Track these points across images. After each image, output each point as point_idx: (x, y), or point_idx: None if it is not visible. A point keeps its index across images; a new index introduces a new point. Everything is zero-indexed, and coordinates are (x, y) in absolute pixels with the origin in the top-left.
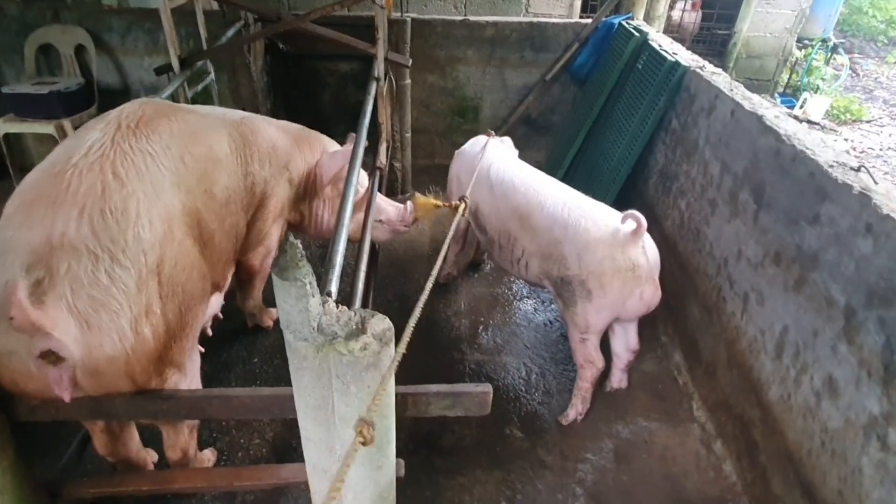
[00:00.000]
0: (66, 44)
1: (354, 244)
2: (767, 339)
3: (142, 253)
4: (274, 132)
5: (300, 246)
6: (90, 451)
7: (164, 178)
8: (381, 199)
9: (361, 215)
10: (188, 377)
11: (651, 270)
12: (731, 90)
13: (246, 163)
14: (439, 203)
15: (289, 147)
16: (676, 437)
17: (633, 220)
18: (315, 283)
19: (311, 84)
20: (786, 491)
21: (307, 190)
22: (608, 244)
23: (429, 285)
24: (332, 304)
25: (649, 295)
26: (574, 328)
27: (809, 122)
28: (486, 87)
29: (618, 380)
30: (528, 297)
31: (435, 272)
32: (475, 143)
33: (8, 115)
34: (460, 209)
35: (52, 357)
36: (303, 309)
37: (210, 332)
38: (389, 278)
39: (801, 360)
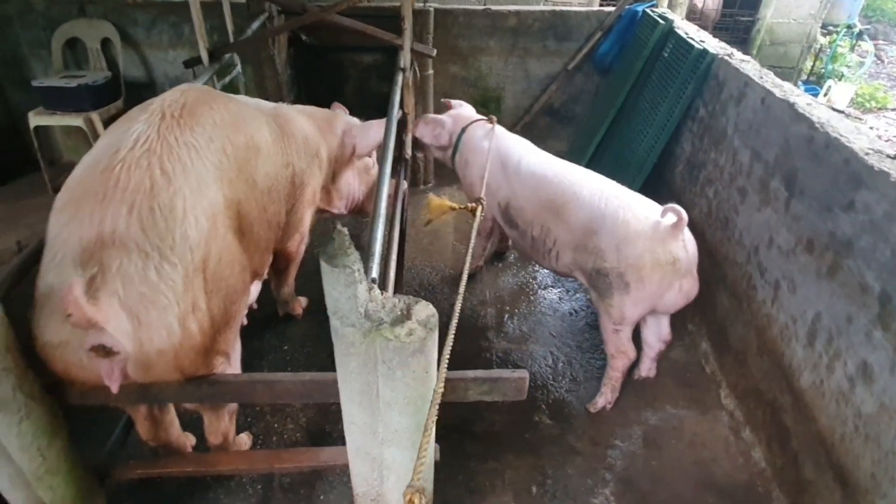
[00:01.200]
0: (92, 38)
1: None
2: (799, 326)
3: (189, 251)
4: (304, 122)
5: (347, 233)
6: (133, 436)
7: (208, 173)
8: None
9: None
10: (232, 366)
11: (690, 264)
12: (762, 78)
13: (286, 153)
14: (455, 205)
15: (316, 135)
16: (705, 424)
17: (674, 214)
18: (363, 270)
19: (334, 76)
20: (817, 475)
21: (330, 168)
22: (648, 237)
23: (462, 286)
24: (377, 290)
25: (688, 288)
26: (608, 319)
27: (834, 110)
28: (509, 78)
29: (647, 368)
30: (552, 287)
31: (465, 273)
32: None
33: (38, 109)
34: (478, 212)
35: (103, 351)
36: (351, 296)
37: (245, 321)
38: (416, 269)
39: (835, 347)
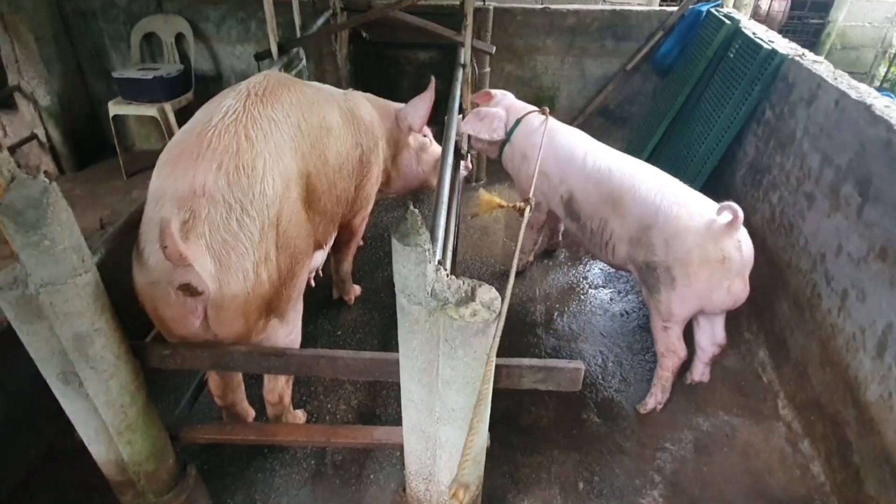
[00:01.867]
0: (167, 32)
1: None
2: (868, 336)
3: (265, 207)
4: (369, 107)
5: (419, 213)
6: (198, 407)
7: (284, 143)
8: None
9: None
10: (290, 326)
11: (743, 265)
12: (836, 79)
13: (356, 134)
14: (503, 203)
15: (378, 119)
16: (760, 434)
17: (730, 213)
18: (433, 250)
19: (391, 72)
20: (880, 492)
21: (391, 150)
22: (699, 233)
23: (512, 276)
24: (443, 271)
25: (738, 290)
26: (657, 315)
27: None
28: (564, 77)
29: (700, 373)
30: (603, 287)
31: (515, 264)
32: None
33: (117, 99)
34: (526, 212)
35: (188, 290)
36: (420, 274)
37: (313, 283)
38: (465, 263)
39: None
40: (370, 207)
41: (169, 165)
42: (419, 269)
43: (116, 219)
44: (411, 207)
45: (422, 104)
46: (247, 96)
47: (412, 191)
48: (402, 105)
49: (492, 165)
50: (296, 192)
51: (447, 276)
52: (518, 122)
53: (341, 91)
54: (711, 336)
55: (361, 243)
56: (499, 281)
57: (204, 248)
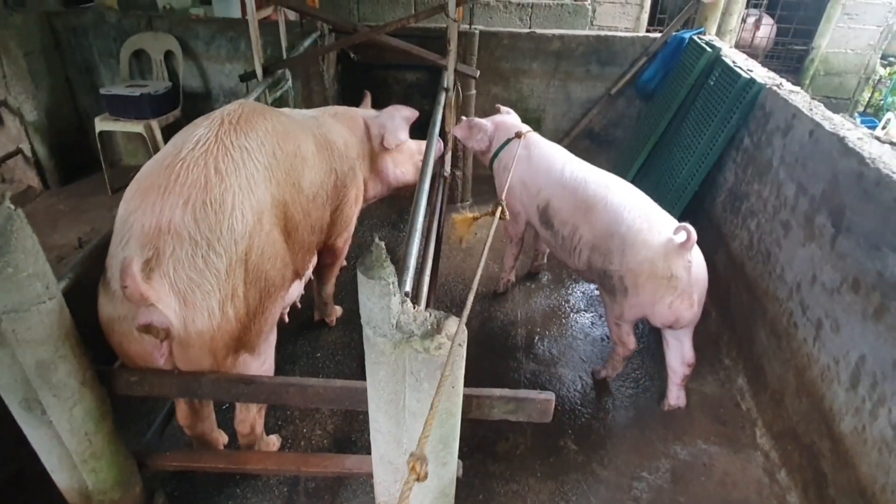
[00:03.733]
0: (156, 50)
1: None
2: (842, 368)
3: (233, 243)
4: (341, 129)
5: (384, 246)
6: (170, 430)
7: (257, 173)
8: (415, 143)
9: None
10: (262, 357)
11: (689, 286)
12: (811, 110)
13: (330, 160)
14: (476, 214)
15: (351, 138)
16: (737, 463)
17: (685, 233)
18: (397, 283)
19: (378, 92)
20: None
21: (365, 163)
22: (652, 248)
23: (475, 284)
24: (409, 304)
25: (680, 308)
26: (609, 312)
27: (893, 143)
28: (550, 100)
29: (675, 396)
30: (585, 311)
31: (480, 271)
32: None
33: (104, 115)
34: (497, 213)
35: (150, 330)
36: (384, 307)
37: (287, 319)
38: (448, 285)
39: (879, 392)
40: (352, 229)
41: (137, 198)
42: (383, 302)
43: (95, 237)
44: (377, 240)
45: (404, 124)
46: (220, 125)
47: (392, 193)
48: (369, 112)
49: (477, 186)
50: (270, 224)
51: (414, 307)
52: (508, 141)
53: (312, 114)
54: (681, 356)
55: (345, 263)
56: (480, 303)
57: (168, 287)
